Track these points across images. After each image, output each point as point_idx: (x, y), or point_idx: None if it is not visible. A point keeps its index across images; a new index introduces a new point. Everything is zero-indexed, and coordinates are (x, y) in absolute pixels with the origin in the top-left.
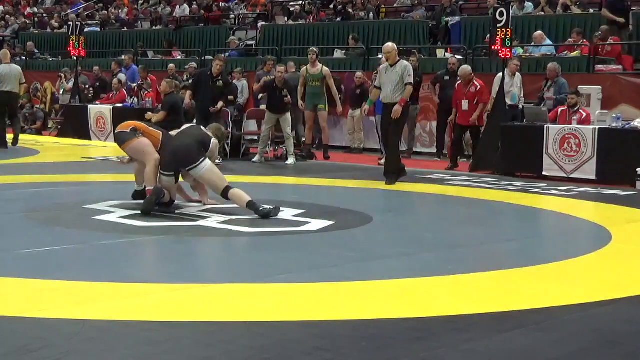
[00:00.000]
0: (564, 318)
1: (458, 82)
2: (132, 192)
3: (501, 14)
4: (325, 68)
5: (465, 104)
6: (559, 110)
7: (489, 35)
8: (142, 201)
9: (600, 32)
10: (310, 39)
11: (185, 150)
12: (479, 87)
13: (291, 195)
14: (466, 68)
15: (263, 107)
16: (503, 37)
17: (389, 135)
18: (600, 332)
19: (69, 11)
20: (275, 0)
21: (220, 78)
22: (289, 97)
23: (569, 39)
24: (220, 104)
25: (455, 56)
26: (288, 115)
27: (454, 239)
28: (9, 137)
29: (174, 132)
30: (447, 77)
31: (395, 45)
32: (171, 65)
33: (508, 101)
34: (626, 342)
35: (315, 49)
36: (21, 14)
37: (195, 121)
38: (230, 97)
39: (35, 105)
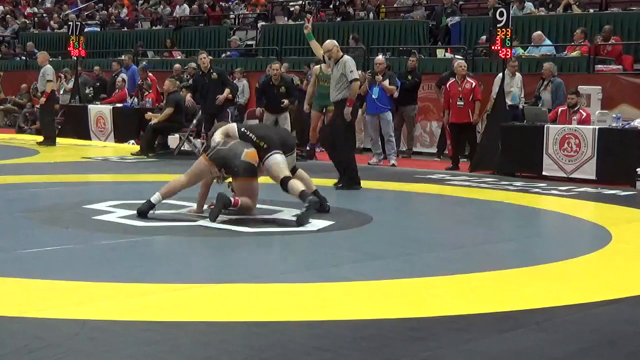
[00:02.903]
0: (564, 318)
1: (451, 82)
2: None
3: (501, 14)
4: None
5: (460, 102)
6: (559, 110)
7: (484, 37)
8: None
9: (603, 32)
10: None
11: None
12: (474, 84)
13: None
14: (462, 62)
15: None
16: (503, 37)
17: (337, 140)
18: (600, 332)
19: (68, 11)
20: (275, 0)
21: (212, 71)
22: (286, 102)
23: (573, 38)
24: (227, 91)
25: (456, 56)
26: (287, 114)
27: (454, 239)
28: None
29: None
30: (452, 79)
31: (335, 42)
32: (177, 66)
33: (508, 101)
34: (626, 342)
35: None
36: (21, 14)
37: (197, 120)
38: (228, 89)
39: (35, 105)
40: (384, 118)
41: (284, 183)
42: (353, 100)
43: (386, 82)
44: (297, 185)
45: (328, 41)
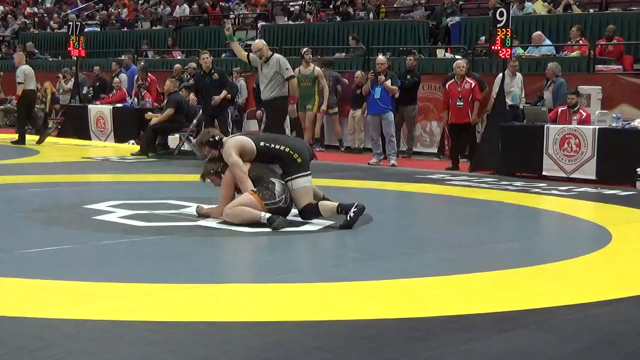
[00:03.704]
0: (564, 318)
1: (450, 82)
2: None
3: (501, 14)
4: (317, 68)
5: (460, 102)
6: (559, 110)
7: (483, 38)
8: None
9: (607, 32)
10: (310, 39)
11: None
12: (473, 84)
13: None
14: (460, 62)
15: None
16: (503, 37)
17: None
18: (600, 332)
19: (69, 11)
20: (275, 0)
21: (213, 71)
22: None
23: (569, 37)
24: (224, 93)
25: (456, 57)
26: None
27: (454, 239)
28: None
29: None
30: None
31: (263, 41)
32: (177, 66)
33: (509, 101)
34: (626, 342)
35: (310, 49)
36: (21, 14)
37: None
38: (226, 91)
39: (36, 105)
40: (386, 118)
41: (309, 208)
42: (295, 97)
43: (388, 82)
44: (327, 204)
45: (258, 40)
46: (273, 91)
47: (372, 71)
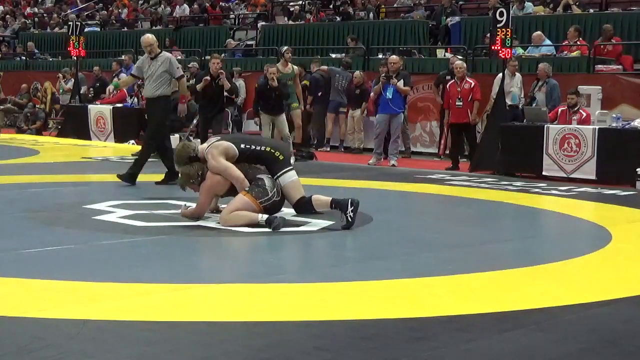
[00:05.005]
0: (564, 318)
1: (450, 82)
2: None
3: (501, 14)
4: (296, 67)
5: (459, 102)
6: (559, 110)
7: (489, 34)
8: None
9: (607, 31)
10: (310, 39)
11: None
12: (472, 84)
13: None
14: (461, 63)
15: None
16: (503, 37)
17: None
18: (600, 332)
19: (69, 11)
20: (275, 0)
21: (220, 78)
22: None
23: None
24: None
25: (456, 56)
26: (283, 116)
27: (454, 239)
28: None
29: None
30: (449, 77)
31: (154, 37)
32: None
33: (508, 101)
34: (626, 342)
35: (290, 48)
36: (21, 14)
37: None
38: (232, 96)
39: (36, 105)
40: (397, 119)
41: (303, 202)
42: (186, 97)
43: (400, 83)
44: (321, 198)
45: (150, 36)
46: (158, 89)
47: (384, 75)
